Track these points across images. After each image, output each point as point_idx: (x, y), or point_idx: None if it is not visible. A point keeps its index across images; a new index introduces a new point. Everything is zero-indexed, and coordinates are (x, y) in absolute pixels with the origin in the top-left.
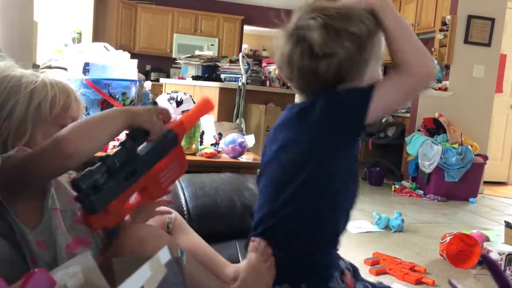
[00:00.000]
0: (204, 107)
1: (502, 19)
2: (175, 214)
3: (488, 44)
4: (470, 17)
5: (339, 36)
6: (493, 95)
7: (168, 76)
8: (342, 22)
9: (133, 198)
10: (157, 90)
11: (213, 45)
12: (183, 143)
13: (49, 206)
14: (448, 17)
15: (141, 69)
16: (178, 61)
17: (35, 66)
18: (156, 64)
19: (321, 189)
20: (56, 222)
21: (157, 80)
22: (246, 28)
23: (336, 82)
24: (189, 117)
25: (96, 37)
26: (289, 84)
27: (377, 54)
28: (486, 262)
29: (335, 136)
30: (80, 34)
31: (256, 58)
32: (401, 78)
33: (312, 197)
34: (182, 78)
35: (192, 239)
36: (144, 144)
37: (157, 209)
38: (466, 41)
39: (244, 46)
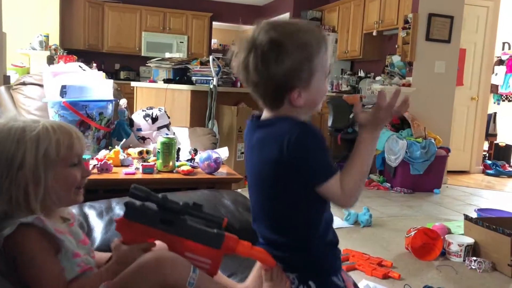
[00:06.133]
0: (265, 258)
1: (460, 15)
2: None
3: (448, 41)
4: (430, 15)
5: (286, 44)
6: (454, 89)
7: (138, 75)
8: (292, 32)
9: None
10: (127, 89)
11: (182, 42)
12: (160, 161)
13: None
14: (410, 15)
15: (110, 68)
16: (148, 64)
17: (6, 78)
18: (125, 63)
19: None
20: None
21: (127, 79)
22: (215, 23)
23: (286, 89)
24: (246, 247)
25: (64, 39)
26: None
27: (323, 65)
28: None
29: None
30: (47, 37)
31: (226, 52)
32: (331, 194)
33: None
34: (154, 81)
35: None
36: (196, 221)
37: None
38: (427, 38)
39: (214, 41)
